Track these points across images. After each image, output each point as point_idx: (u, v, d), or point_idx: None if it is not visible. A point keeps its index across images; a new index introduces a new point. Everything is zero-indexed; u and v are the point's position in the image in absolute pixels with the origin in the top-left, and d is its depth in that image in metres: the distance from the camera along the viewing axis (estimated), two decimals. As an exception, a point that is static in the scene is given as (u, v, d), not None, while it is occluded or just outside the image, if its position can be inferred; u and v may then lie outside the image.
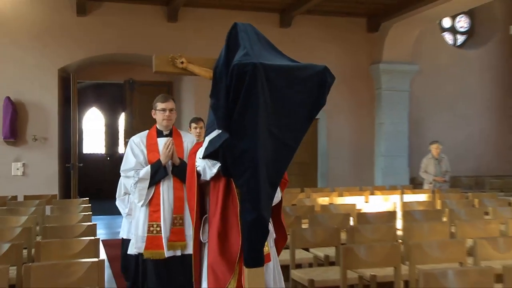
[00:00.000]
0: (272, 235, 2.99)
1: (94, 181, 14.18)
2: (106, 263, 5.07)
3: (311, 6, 9.80)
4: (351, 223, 5.93)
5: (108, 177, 12.70)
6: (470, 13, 13.11)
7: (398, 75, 10.98)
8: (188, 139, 4.30)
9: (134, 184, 4.01)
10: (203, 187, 2.98)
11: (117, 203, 4.77)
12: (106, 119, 16.75)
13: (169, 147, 4.00)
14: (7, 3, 9.12)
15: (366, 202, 7.50)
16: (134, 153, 4.13)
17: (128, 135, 9.92)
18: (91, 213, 5.91)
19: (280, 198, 2.99)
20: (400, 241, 4.95)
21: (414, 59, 11.19)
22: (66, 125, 9.89)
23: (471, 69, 12.61)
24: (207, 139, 2.85)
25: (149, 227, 3.99)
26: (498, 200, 7.54)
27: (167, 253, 3.94)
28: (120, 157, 4.44)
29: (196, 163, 2.91)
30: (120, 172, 4.19)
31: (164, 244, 3.94)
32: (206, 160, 2.83)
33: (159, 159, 4.03)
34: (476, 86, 12.64)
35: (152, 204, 4.02)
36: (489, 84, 12.77)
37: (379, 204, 7.20)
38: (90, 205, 6.63)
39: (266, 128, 2.62)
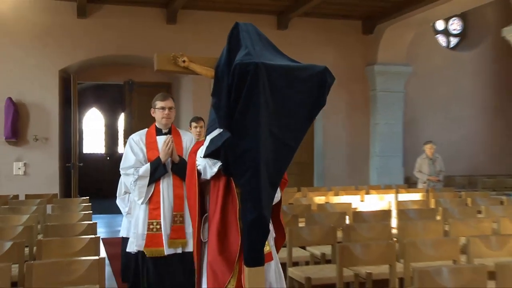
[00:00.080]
0: (272, 234, 2.98)
1: (94, 181, 14.11)
2: (106, 261, 5.09)
3: (308, 8, 9.85)
4: (347, 221, 5.97)
5: (108, 177, 12.70)
6: (463, 16, 13.20)
7: (393, 76, 11.02)
8: (187, 137, 4.29)
9: (134, 181, 3.99)
10: (203, 186, 2.96)
11: (118, 201, 4.75)
12: (106, 119, 16.72)
13: (169, 144, 3.99)
14: (9, 5, 9.14)
15: (362, 201, 7.52)
16: (133, 151, 4.11)
17: (128, 135, 9.83)
18: (91, 212, 5.91)
19: (279, 198, 2.98)
20: (395, 239, 4.92)
21: (409, 60, 11.25)
22: (66, 126, 9.88)
23: (464, 71, 12.68)
24: (208, 138, 2.85)
25: (149, 225, 3.98)
26: (490, 199, 7.59)
27: (167, 251, 3.93)
28: (120, 157, 4.40)
29: (197, 162, 2.89)
30: (120, 170, 4.16)
31: (164, 241, 3.93)
32: (207, 159, 2.81)
33: (159, 156, 4.01)
34: (469, 88, 12.70)
35: (152, 202, 4.01)
36: (481, 86, 12.84)
37: (374, 203, 7.23)
38: (90, 204, 6.62)
39: (267, 128, 2.61)
